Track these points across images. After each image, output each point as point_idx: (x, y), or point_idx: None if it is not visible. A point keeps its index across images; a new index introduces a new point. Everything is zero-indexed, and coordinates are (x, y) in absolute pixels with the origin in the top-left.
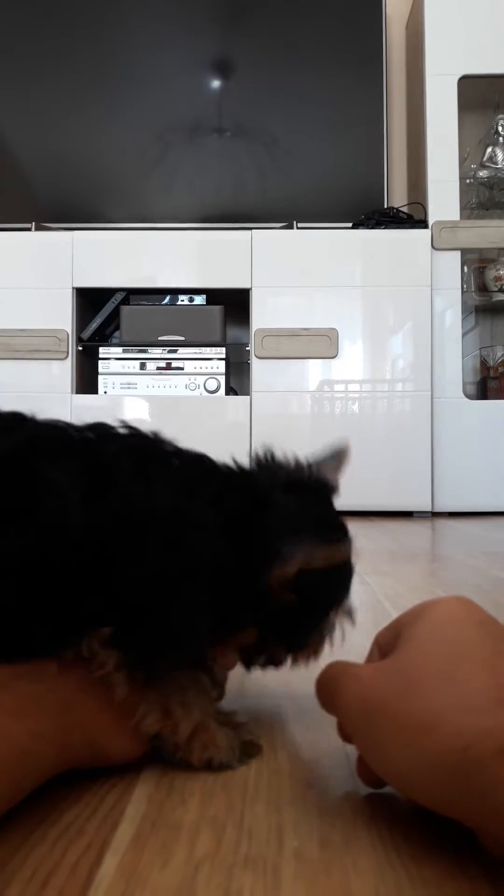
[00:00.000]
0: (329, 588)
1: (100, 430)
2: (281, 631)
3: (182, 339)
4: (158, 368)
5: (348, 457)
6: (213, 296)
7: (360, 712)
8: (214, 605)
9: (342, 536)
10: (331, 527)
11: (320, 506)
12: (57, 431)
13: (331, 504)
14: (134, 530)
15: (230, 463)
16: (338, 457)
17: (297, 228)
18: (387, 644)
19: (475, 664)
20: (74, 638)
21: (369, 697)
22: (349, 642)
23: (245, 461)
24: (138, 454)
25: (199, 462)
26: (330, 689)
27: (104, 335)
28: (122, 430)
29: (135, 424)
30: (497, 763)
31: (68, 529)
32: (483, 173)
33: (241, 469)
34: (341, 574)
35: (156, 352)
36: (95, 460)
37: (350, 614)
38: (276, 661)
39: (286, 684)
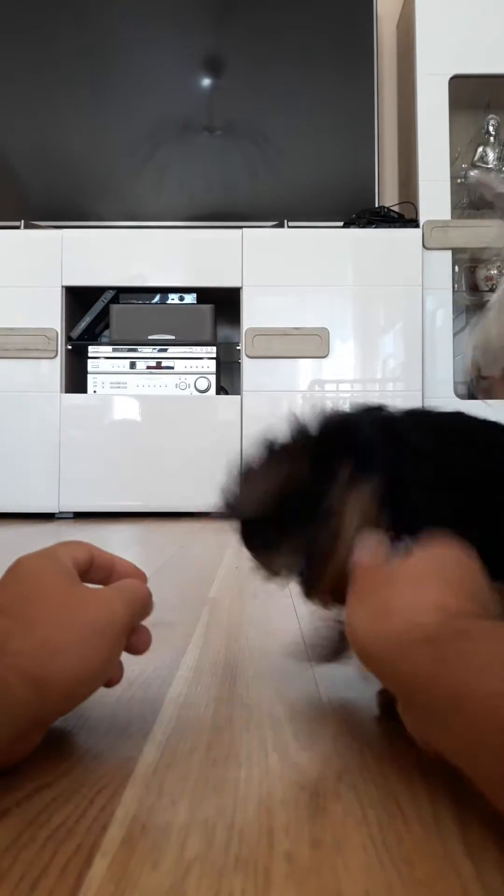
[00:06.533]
0: None
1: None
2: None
3: (172, 338)
4: (148, 367)
5: None
6: (204, 295)
7: (352, 594)
8: None
9: None
10: None
11: None
12: None
13: None
14: None
15: None
16: None
17: (288, 227)
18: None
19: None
20: None
21: (358, 587)
22: None
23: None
24: None
25: None
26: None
27: (94, 334)
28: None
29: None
30: (419, 646)
31: None
32: (474, 173)
33: None
34: None
35: (146, 351)
36: None
37: None
38: None
39: (278, 688)
